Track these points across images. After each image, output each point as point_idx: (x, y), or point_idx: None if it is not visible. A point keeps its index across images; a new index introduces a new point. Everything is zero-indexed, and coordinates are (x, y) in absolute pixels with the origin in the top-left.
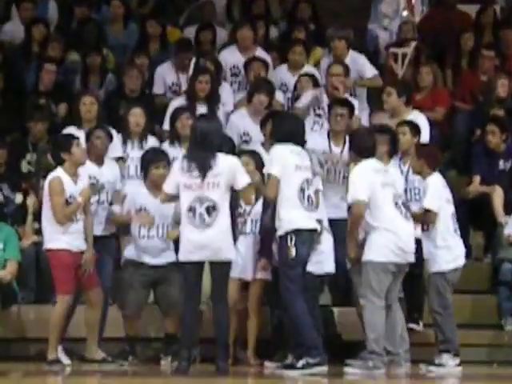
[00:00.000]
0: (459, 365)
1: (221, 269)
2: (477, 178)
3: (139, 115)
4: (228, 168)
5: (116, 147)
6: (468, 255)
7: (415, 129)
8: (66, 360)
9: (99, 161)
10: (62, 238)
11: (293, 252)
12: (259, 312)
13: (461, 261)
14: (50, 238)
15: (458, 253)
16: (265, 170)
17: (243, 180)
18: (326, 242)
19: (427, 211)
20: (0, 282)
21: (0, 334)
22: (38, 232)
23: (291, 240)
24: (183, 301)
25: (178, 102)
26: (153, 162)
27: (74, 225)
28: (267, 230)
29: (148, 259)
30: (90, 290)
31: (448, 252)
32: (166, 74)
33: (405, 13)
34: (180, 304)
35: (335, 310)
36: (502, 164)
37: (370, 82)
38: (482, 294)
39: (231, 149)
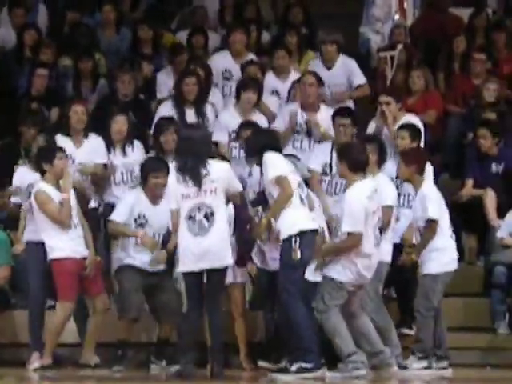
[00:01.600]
0: (427, 368)
1: (218, 275)
2: (469, 182)
3: (122, 123)
4: (223, 174)
5: (102, 153)
6: (461, 258)
7: (415, 133)
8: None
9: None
10: (65, 246)
11: (298, 254)
12: (245, 316)
13: (454, 265)
14: (53, 248)
15: (452, 257)
16: (270, 176)
17: (238, 186)
18: None
19: (431, 221)
20: None
21: None
22: None
23: (295, 242)
24: (187, 306)
25: (166, 107)
26: (152, 171)
27: (73, 231)
28: (245, 235)
29: (146, 265)
30: (94, 296)
31: (442, 255)
32: (167, 80)
33: (397, 16)
34: (182, 310)
35: None
36: (494, 167)
37: (360, 92)
38: (474, 297)
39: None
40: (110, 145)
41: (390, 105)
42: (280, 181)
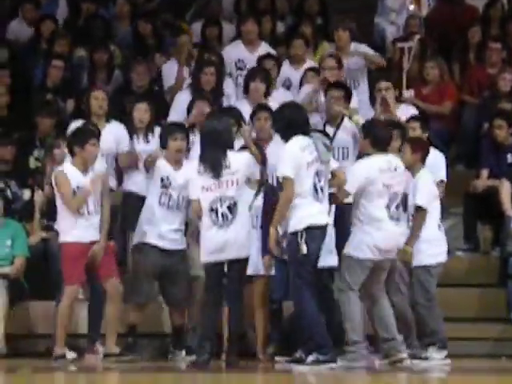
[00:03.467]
0: (446, 357)
1: (240, 265)
2: (484, 172)
3: (144, 110)
4: (244, 165)
5: (124, 141)
6: (476, 249)
7: (425, 124)
8: (71, 354)
9: None
10: (73, 232)
11: (304, 249)
12: (265, 308)
13: (443, 257)
14: (61, 232)
15: (442, 248)
16: (278, 173)
17: (257, 174)
18: (328, 236)
19: (419, 208)
20: (8, 278)
21: (8, 330)
22: (46, 228)
23: (301, 237)
24: (206, 296)
25: (184, 95)
26: (170, 134)
27: (87, 217)
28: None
29: (166, 245)
30: (105, 281)
31: (432, 246)
32: (173, 68)
33: (411, 7)
34: (202, 299)
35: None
36: (510, 158)
37: (374, 57)
38: (490, 288)
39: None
40: (132, 132)
41: (389, 90)
42: (284, 182)
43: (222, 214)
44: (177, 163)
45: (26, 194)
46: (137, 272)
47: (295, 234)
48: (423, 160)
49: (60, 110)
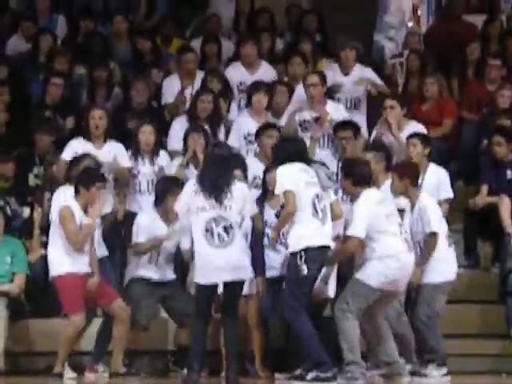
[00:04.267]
0: (446, 374)
1: (238, 286)
2: (484, 188)
3: (149, 133)
4: (240, 195)
5: (124, 159)
6: (476, 265)
7: (426, 140)
8: (71, 374)
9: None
10: (67, 263)
11: (304, 270)
12: (260, 325)
13: (452, 275)
14: (55, 264)
15: (451, 267)
16: (277, 191)
17: (252, 209)
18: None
19: (432, 234)
20: (8, 296)
21: (8, 348)
22: (46, 245)
23: (301, 258)
24: (195, 316)
25: (180, 121)
26: (169, 192)
27: (82, 255)
28: (258, 245)
29: (155, 276)
30: (109, 305)
31: (442, 265)
32: (173, 85)
33: (410, 23)
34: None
35: None
36: (509, 174)
37: (382, 86)
38: (490, 304)
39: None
40: (137, 154)
41: (394, 109)
42: (285, 196)
43: (218, 235)
44: (170, 222)
45: (26, 211)
46: (132, 297)
47: (294, 254)
48: (415, 183)
49: (59, 128)
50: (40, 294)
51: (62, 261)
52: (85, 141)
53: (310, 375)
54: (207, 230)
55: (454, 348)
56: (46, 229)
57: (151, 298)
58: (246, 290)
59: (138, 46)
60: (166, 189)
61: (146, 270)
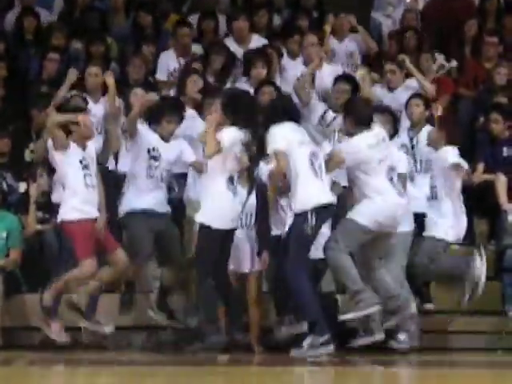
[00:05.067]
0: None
1: (232, 234)
2: (480, 166)
3: (140, 96)
4: None
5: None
6: (472, 242)
7: (427, 101)
8: (65, 337)
9: None
10: (77, 208)
11: (311, 229)
12: (260, 302)
13: (458, 237)
14: (65, 210)
15: (460, 230)
16: (269, 150)
17: None
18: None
19: (457, 165)
20: (3, 271)
21: (4, 323)
22: (42, 221)
23: (311, 218)
24: (204, 270)
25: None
26: (166, 115)
27: (86, 192)
28: (262, 221)
29: (153, 207)
30: (112, 253)
31: (450, 223)
32: (169, 60)
33: (408, 0)
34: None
35: (339, 297)
36: (505, 151)
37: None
38: (486, 281)
39: None
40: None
41: (394, 73)
42: (275, 155)
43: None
44: (167, 139)
45: (22, 186)
46: (131, 235)
47: (301, 214)
48: (447, 139)
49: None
50: (35, 270)
51: (71, 206)
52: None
53: (306, 341)
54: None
55: (451, 325)
56: (42, 204)
57: (148, 234)
58: (248, 266)
59: (139, 19)
60: (165, 111)
61: (142, 200)
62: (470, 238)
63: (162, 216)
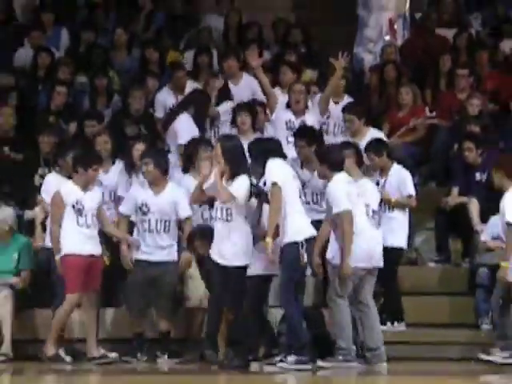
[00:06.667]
0: None
1: None
2: (455, 190)
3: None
4: None
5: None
6: (447, 260)
7: (385, 147)
8: (68, 359)
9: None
10: (73, 244)
11: (305, 258)
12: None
13: None
14: (63, 245)
15: None
16: (267, 182)
17: None
18: None
19: (510, 225)
20: (14, 288)
21: (15, 336)
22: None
23: (302, 248)
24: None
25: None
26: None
27: (86, 230)
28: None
29: (148, 257)
30: (93, 291)
31: None
32: (165, 98)
33: (387, 37)
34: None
35: (324, 311)
36: (478, 176)
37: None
38: (460, 296)
39: None
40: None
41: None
42: (272, 190)
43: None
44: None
45: (28, 213)
46: (126, 287)
47: (293, 244)
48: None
49: (62, 132)
50: (43, 287)
51: (67, 241)
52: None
53: (291, 359)
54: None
55: (427, 336)
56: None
57: (143, 284)
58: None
59: (146, 54)
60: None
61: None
62: (445, 256)
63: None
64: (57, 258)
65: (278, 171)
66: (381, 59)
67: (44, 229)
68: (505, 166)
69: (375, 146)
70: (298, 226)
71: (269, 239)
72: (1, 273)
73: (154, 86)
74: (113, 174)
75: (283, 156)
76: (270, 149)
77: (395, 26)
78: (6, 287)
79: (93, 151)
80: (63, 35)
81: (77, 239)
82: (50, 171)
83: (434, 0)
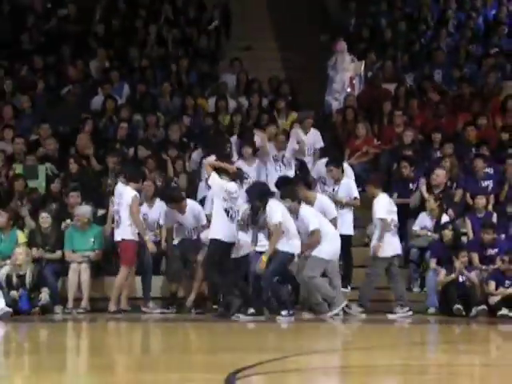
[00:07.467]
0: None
1: None
2: (395, 195)
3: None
4: None
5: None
6: None
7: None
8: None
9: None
10: (130, 233)
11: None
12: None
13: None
14: (125, 233)
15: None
16: (273, 221)
17: None
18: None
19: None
20: (91, 262)
21: (91, 295)
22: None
23: (293, 257)
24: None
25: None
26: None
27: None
28: None
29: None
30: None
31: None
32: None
33: (348, 89)
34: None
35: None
36: (411, 185)
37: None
38: (399, 268)
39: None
40: None
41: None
42: (275, 228)
43: None
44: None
45: (100, 212)
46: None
47: (288, 254)
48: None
49: (124, 154)
50: (110, 260)
51: (126, 231)
52: None
53: (249, 311)
54: None
55: (380, 295)
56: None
57: (177, 259)
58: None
59: (185, 101)
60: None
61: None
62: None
63: None
64: (146, 238)
65: (278, 210)
66: (344, 105)
67: (112, 221)
68: (374, 181)
69: (334, 161)
70: (290, 244)
71: (265, 258)
72: (82, 250)
73: (189, 121)
74: (157, 210)
75: (273, 195)
76: (267, 190)
77: (354, 82)
78: (86, 261)
79: (141, 169)
80: (125, 87)
81: (131, 230)
82: (115, 182)
83: (381, 64)
